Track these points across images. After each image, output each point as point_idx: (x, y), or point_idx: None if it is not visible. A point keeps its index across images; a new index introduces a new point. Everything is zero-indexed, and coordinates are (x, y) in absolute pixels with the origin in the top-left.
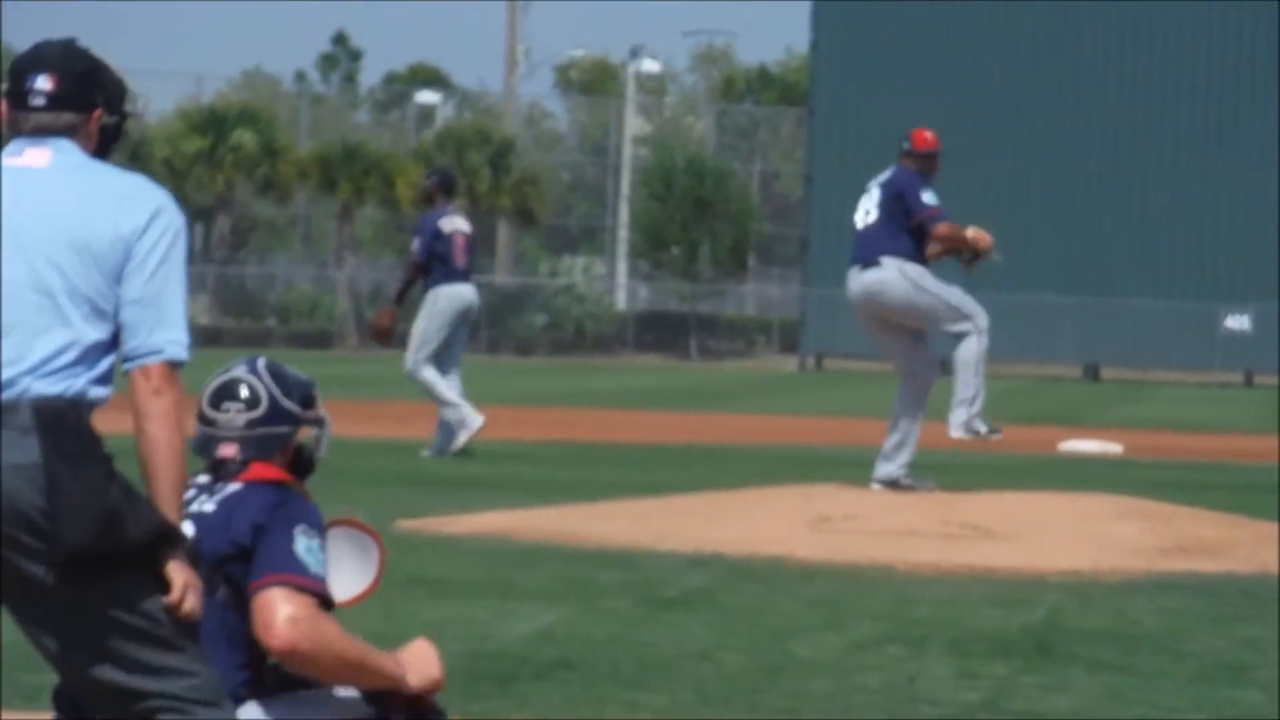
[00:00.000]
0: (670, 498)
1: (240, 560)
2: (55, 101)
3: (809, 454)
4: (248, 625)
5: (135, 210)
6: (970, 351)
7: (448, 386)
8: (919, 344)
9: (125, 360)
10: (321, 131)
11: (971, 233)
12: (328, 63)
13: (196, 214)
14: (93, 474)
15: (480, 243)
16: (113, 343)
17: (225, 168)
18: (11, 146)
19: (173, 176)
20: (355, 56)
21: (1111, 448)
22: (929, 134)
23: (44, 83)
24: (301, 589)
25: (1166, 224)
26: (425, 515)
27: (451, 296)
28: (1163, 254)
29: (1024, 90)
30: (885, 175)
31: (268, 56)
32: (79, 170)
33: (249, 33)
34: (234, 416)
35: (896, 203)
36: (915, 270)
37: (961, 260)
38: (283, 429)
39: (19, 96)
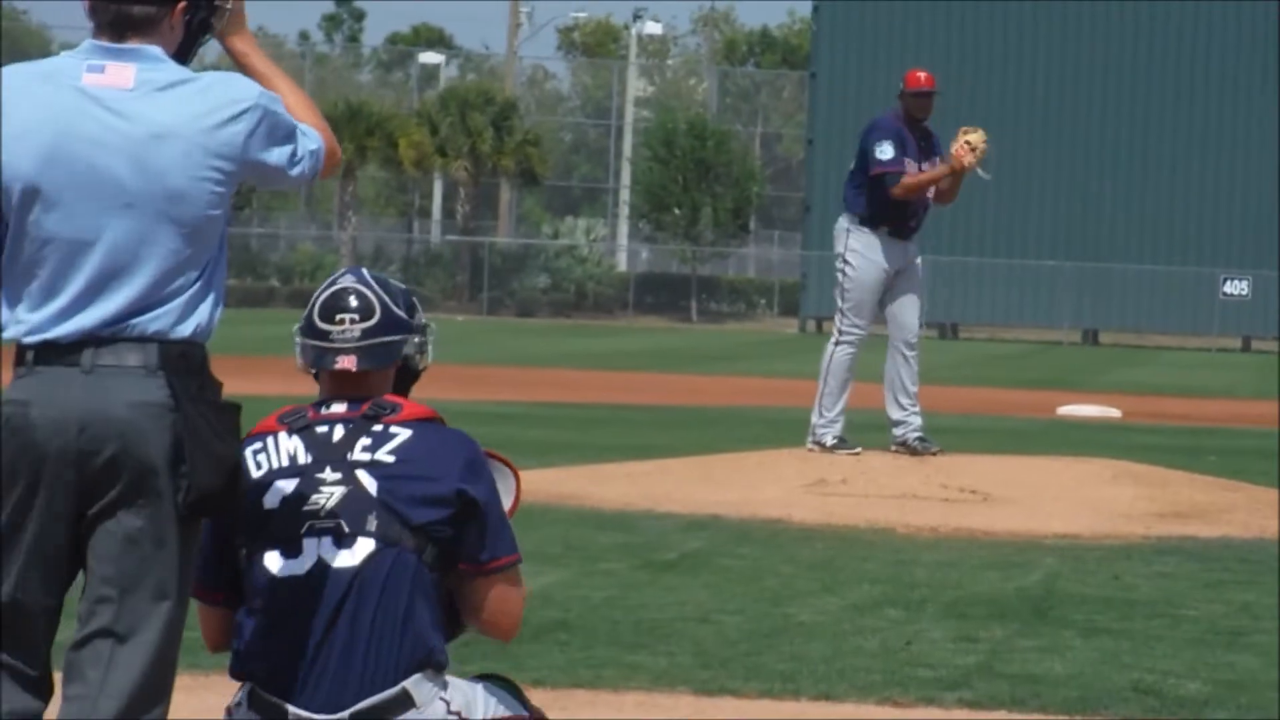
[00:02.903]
0: (669, 460)
1: (452, 522)
2: None
3: (808, 417)
4: (442, 579)
5: (234, 126)
6: (825, 358)
7: None
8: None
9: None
10: (324, 91)
11: (956, 153)
12: (331, 23)
13: None
14: (218, 421)
15: (483, 203)
16: (220, 269)
17: None
18: (92, 54)
19: None
20: (359, 17)
21: (1110, 412)
22: (921, 74)
23: None
24: (519, 560)
25: (1166, 189)
26: None
27: None
28: (1162, 219)
29: (1025, 55)
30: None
31: (271, 17)
32: (168, 93)
33: None
34: (349, 328)
35: (861, 158)
36: (856, 240)
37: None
38: (397, 337)
39: None
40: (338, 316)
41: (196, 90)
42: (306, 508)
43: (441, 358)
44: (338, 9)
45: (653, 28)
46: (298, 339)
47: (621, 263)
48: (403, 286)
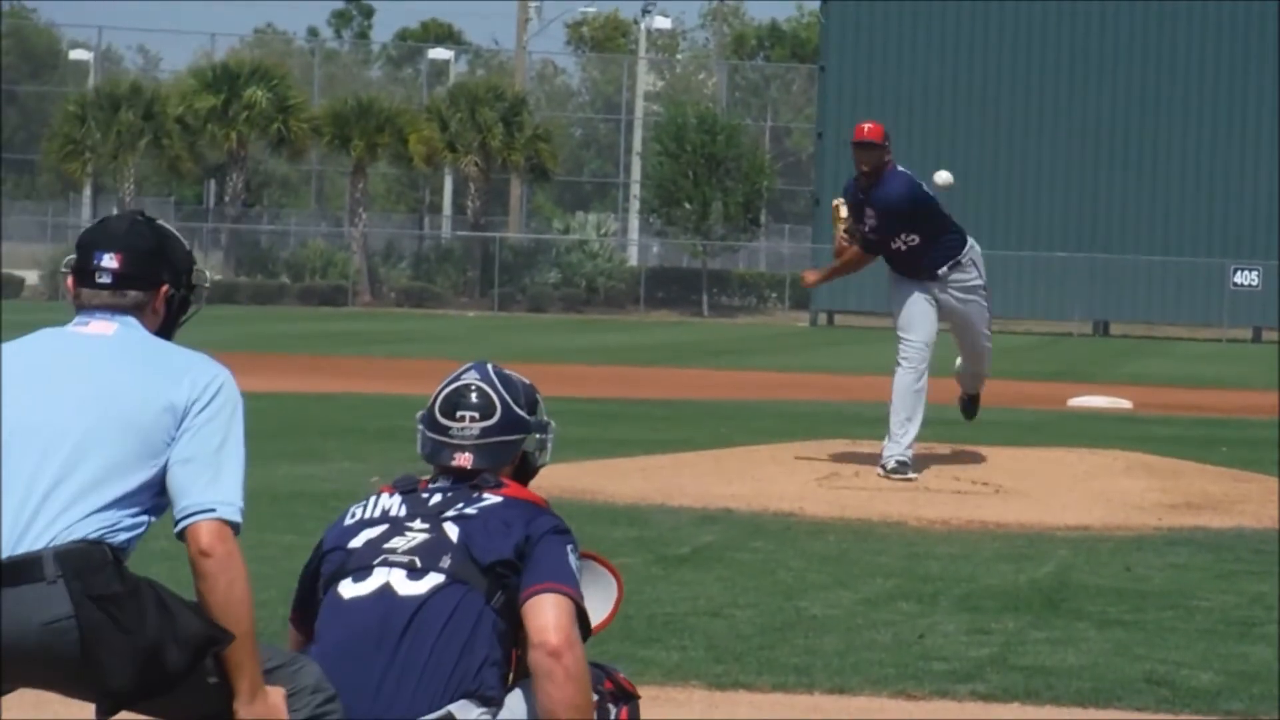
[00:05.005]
0: (681, 454)
1: (516, 568)
2: (121, 280)
3: (820, 410)
4: (509, 628)
5: (194, 383)
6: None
7: None
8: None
9: (176, 521)
10: (334, 88)
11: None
12: (340, 19)
13: (210, 171)
14: (126, 614)
15: (494, 199)
16: (146, 511)
17: (238, 125)
18: (78, 318)
19: (186, 134)
20: (368, 13)
21: (1121, 403)
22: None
23: (110, 261)
24: (574, 601)
25: (1176, 180)
26: None
27: None
28: (1172, 210)
29: (1034, 47)
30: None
31: (280, 13)
32: (142, 344)
33: None
34: (468, 425)
35: (918, 212)
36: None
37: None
38: (515, 437)
39: (85, 273)
40: (458, 413)
41: (171, 351)
42: (386, 545)
43: (453, 354)
44: (347, 5)
45: (662, 22)
46: (419, 429)
47: (632, 257)
48: (526, 382)
